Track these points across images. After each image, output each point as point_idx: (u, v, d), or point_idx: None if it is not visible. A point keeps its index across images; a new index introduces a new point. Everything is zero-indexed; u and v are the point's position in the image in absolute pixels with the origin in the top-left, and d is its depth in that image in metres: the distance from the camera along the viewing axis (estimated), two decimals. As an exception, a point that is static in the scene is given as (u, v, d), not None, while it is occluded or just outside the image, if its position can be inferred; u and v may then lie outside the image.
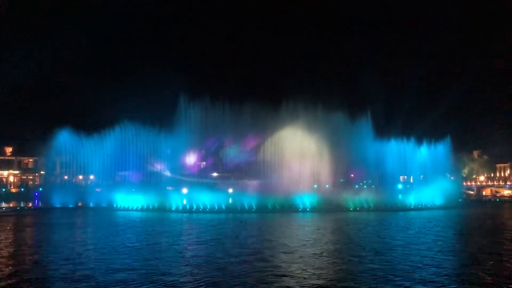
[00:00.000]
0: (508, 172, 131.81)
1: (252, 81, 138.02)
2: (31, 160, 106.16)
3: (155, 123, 79.73)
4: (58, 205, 70.25)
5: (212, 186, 76.49)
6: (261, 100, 76.11)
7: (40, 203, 75.53)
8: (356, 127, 79.49)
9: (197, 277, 17.87)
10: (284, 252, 24.09)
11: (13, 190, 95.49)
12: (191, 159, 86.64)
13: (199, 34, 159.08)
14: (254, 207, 62.16)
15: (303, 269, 19.34)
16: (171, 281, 17.27)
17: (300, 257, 22.32)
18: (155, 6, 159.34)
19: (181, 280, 17.45)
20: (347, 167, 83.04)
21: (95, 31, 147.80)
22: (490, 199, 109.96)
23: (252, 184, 73.18)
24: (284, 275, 18.15)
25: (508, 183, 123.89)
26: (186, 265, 20.73)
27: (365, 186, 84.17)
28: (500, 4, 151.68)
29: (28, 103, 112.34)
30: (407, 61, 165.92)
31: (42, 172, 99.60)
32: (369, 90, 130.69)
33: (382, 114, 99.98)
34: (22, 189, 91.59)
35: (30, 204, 74.37)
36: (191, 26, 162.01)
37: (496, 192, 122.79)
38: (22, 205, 72.47)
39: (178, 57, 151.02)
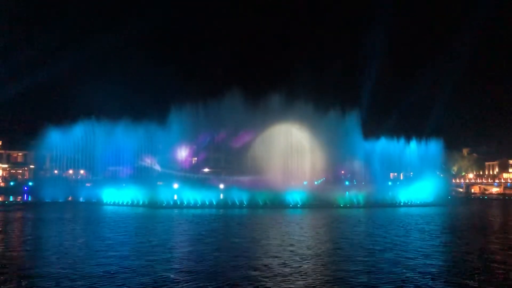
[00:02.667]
0: (496, 170, 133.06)
1: (243, 77, 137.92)
2: (20, 154, 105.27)
3: (146, 118, 79.48)
4: (48, 200, 69.82)
5: (203, 181, 76.44)
6: (252, 96, 76.26)
7: (29, 198, 75.03)
8: (347, 124, 79.73)
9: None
10: (273, 252, 24.11)
11: (2, 184, 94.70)
12: (182, 154, 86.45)
13: (192, 29, 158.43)
14: (245, 203, 62.32)
15: (291, 272, 19.27)
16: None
17: (289, 258, 22.26)
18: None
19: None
20: (338, 164, 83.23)
21: (89, 25, 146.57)
22: (478, 197, 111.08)
23: (243, 180, 73.27)
24: (271, 277, 17.99)
25: (497, 181, 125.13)
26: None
27: (355, 183, 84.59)
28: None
29: (18, 97, 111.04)
30: (400, 59, 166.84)
31: (31, 166, 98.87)
32: (360, 88, 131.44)
33: (373, 111, 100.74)
34: (12, 183, 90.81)
35: (19, 199, 73.86)
36: (184, 19, 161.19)
37: (485, 189, 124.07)
38: (11, 199, 71.94)
39: (171, 53, 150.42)
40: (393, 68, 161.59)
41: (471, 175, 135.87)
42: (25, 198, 75.16)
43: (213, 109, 77.96)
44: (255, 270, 18.75)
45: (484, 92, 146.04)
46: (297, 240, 28.16)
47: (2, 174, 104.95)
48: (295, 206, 63.00)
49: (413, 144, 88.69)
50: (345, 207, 64.13)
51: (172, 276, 17.60)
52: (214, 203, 62.40)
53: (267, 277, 17.47)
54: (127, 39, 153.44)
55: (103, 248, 24.11)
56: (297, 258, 21.46)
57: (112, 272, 18.05)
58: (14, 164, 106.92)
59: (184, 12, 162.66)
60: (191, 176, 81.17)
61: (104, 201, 67.61)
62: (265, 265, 19.73)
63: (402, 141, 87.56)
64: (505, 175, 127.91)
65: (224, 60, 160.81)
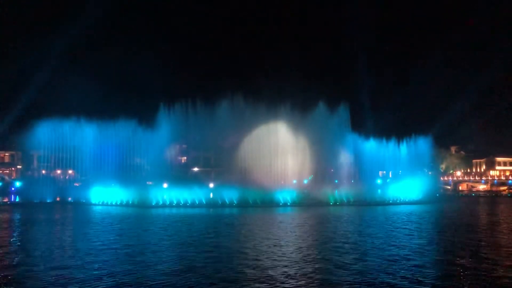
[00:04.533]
0: (483, 167, 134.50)
1: (232, 76, 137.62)
2: (7, 154, 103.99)
3: (135, 117, 79.00)
4: (36, 200, 69.04)
5: (193, 180, 76.09)
6: (241, 96, 76.18)
7: (17, 198, 74.15)
8: (335, 122, 79.88)
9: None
10: (262, 252, 24.08)
11: None
12: (172, 153, 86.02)
13: (182, 30, 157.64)
14: (235, 202, 62.30)
15: (282, 272, 19.28)
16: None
17: (280, 257, 22.29)
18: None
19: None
20: (327, 162, 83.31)
21: (78, 22, 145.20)
22: (466, 194, 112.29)
23: (233, 179, 73.07)
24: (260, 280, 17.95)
25: (484, 178, 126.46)
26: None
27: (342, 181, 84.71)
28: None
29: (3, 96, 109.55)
30: (389, 56, 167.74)
31: (19, 167, 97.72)
32: (349, 86, 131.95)
33: (362, 109, 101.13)
34: (0, 184, 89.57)
35: (7, 199, 73.02)
36: (174, 21, 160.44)
37: (472, 187, 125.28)
38: (-2, 200, 71.08)
39: (161, 53, 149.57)
40: (383, 65, 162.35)
41: (458, 173, 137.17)
42: (12, 199, 74.28)
43: (202, 108, 77.74)
44: (250, 275, 18.74)
45: (472, 90, 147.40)
46: (286, 241, 28.22)
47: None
48: (285, 205, 63.14)
49: (402, 142, 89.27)
50: (334, 205, 64.43)
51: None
52: (204, 202, 62.32)
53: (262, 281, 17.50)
54: (116, 36, 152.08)
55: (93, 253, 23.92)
56: (288, 260, 21.52)
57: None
58: (1, 164, 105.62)
59: (173, 8, 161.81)
60: (180, 175, 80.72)
61: (93, 201, 67.07)
62: (256, 268, 19.75)
63: (391, 139, 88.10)
64: (492, 173, 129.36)
65: (212, 58, 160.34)
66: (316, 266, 19.93)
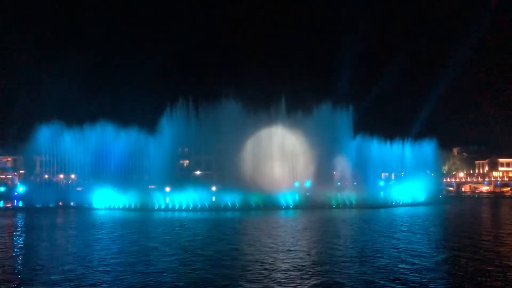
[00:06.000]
0: (486, 168, 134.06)
1: (233, 80, 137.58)
2: (9, 159, 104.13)
3: (137, 122, 79.09)
4: (38, 205, 69.09)
5: (195, 184, 76.02)
6: (242, 99, 76.23)
7: (20, 203, 74.15)
8: (337, 124, 79.82)
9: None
10: (266, 256, 24.00)
11: None
12: (174, 157, 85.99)
13: (183, 36, 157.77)
14: (237, 205, 62.26)
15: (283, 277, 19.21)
16: None
17: (285, 262, 22.24)
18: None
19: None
20: (329, 165, 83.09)
21: (79, 25, 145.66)
22: (469, 195, 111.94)
23: (235, 182, 72.99)
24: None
25: (487, 179, 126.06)
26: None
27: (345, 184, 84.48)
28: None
29: (6, 101, 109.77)
30: (389, 57, 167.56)
31: (21, 171, 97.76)
32: (351, 87, 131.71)
33: (364, 111, 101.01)
34: (3, 189, 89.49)
35: (10, 204, 73.06)
36: (174, 26, 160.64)
37: (475, 188, 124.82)
38: (1, 205, 71.05)
39: (160, 56, 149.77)
40: (384, 67, 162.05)
41: (461, 174, 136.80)
42: (15, 204, 74.30)
43: (204, 111, 77.80)
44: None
45: (474, 92, 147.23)
46: (289, 246, 28.16)
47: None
48: (287, 208, 63.09)
49: (405, 143, 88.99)
50: (337, 207, 64.30)
51: None
52: (207, 205, 62.31)
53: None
54: (122, 45, 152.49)
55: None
56: (290, 267, 21.46)
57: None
58: (3, 169, 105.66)
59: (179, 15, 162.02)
60: (183, 179, 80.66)
61: (96, 206, 67.08)
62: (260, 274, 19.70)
63: (393, 141, 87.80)
64: (494, 174, 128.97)
65: (212, 60, 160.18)
66: (320, 276, 19.87)
